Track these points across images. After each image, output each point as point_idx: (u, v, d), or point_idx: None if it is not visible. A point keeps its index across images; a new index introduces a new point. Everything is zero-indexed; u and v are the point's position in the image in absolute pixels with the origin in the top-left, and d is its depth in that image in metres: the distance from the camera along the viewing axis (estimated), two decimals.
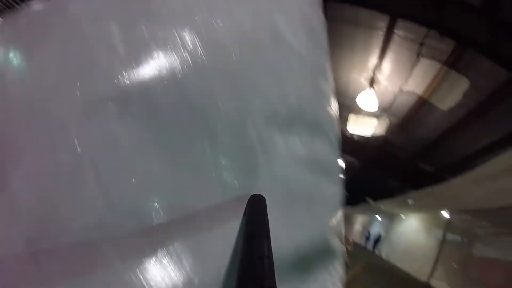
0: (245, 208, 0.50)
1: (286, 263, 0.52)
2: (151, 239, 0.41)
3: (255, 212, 0.47)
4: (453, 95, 5.79)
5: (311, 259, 0.58)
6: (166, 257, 0.40)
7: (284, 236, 0.52)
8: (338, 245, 0.70)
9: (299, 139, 0.62)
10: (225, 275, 0.45)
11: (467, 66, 5.09)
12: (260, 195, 0.52)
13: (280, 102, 0.60)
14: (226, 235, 0.47)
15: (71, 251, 0.37)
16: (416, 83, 6.21)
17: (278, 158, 0.57)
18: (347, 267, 8.19)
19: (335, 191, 0.77)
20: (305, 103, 0.66)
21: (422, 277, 11.89)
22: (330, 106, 0.79)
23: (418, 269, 12.57)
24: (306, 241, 0.58)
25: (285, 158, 0.59)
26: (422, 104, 6.78)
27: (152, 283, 0.38)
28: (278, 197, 0.55)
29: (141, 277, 0.38)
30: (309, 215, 0.61)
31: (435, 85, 5.94)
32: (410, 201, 11.69)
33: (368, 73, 6.63)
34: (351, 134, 9.74)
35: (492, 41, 4.26)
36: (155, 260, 0.39)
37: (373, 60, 6.18)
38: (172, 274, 0.40)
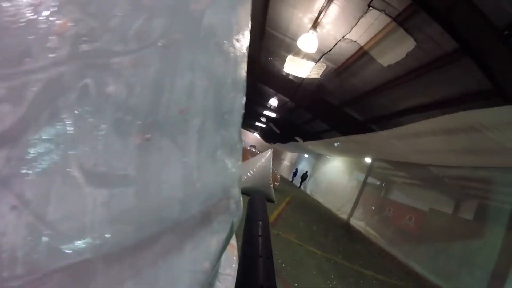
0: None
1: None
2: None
3: (255, 213, 0.49)
4: (396, 53, 5.50)
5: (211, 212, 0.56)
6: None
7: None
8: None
9: None
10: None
11: (416, 27, 4.68)
12: (260, 195, 0.57)
13: None
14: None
15: None
16: (360, 34, 5.70)
17: None
18: (273, 202, 8.51)
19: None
20: None
21: (343, 215, 13.07)
22: None
23: (340, 208, 13.82)
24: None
25: None
26: (361, 55, 6.46)
27: None
28: None
29: None
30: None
31: (379, 38, 5.55)
32: (336, 144, 12.28)
33: (313, 14, 5.87)
34: (287, 74, 9.63)
35: (448, 9, 3.79)
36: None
37: (320, 1, 5.37)
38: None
